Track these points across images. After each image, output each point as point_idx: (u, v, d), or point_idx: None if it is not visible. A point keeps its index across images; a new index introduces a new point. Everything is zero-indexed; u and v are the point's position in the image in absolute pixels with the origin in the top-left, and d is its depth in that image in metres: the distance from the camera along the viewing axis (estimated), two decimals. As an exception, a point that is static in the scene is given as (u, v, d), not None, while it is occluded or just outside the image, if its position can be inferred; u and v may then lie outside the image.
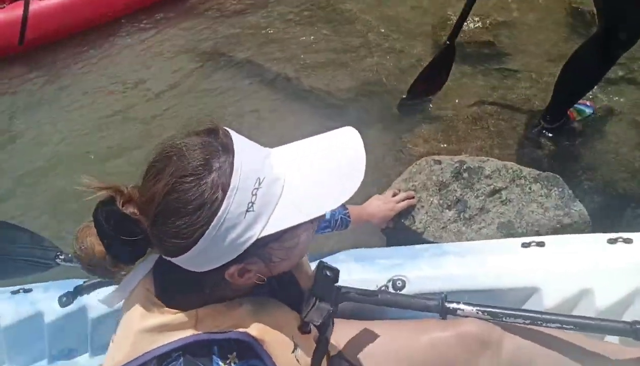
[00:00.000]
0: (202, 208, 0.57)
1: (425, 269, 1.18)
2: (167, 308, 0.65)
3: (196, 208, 0.57)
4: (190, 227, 0.58)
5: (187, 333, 0.63)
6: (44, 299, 1.30)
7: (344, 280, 1.09)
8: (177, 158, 0.59)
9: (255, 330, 0.65)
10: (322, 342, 0.79)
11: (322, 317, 0.76)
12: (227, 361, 0.62)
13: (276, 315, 0.70)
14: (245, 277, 0.64)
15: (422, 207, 1.50)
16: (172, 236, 0.59)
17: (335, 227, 1.21)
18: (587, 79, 1.87)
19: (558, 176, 1.51)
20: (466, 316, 0.99)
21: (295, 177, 0.63)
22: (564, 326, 0.94)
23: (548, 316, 0.95)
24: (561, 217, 1.42)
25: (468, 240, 1.42)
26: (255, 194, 0.59)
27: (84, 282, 1.30)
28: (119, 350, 0.65)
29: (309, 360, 0.74)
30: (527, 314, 0.97)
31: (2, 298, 1.33)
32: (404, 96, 2.34)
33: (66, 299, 1.28)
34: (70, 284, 1.31)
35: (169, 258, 0.63)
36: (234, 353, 0.63)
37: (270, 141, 0.70)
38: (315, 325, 0.79)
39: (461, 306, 1.01)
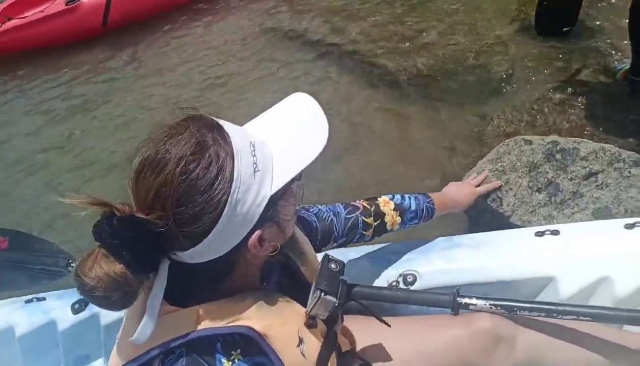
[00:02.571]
0: (218, 178, 0.60)
1: (437, 263, 1.17)
2: (170, 307, 0.65)
3: (213, 179, 0.60)
4: (212, 199, 0.60)
5: (190, 329, 0.63)
6: (57, 307, 1.32)
7: (353, 277, 1.10)
8: (171, 148, 0.60)
9: (259, 324, 0.65)
10: (331, 337, 0.79)
11: (328, 311, 0.76)
12: (231, 358, 0.63)
13: (281, 309, 0.71)
14: (264, 247, 0.67)
15: (511, 189, 1.45)
16: (197, 216, 0.60)
17: (422, 217, 1.17)
18: None
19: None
20: (479, 311, 0.98)
21: (273, 138, 0.69)
22: (580, 317, 0.93)
23: (563, 308, 0.94)
24: (664, 204, 1.33)
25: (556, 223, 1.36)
26: (255, 155, 0.63)
27: (95, 289, 1.33)
28: (122, 350, 0.66)
29: (316, 354, 0.74)
30: (541, 306, 0.95)
31: (16, 308, 1.36)
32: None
33: (78, 306, 1.31)
34: (82, 291, 1.34)
35: (188, 254, 0.62)
36: (238, 350, 0.63)
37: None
38: (322, 320, 0.78)
39: (474, 300, 1.00)
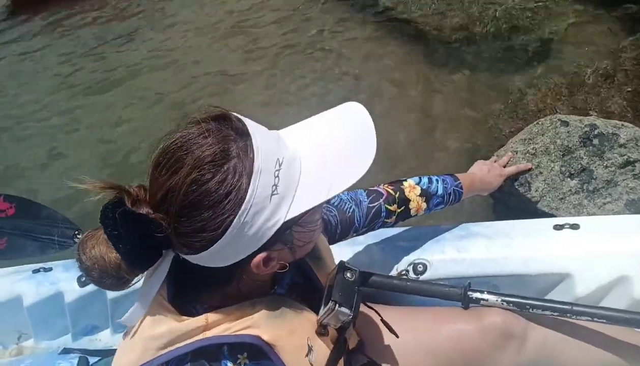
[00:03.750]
0: (228, 197, 0.55)
1: (449, 252, 1.15)
2: (177, 315, 0.64)
3: (222, 197, 0.55)
4: (217, 218, 0.56)
5: (198, 338, 0.63)
6: (64, 279, 1.35)
7: (362, 263, 1.09)
8: (191, 148, 0.56)
9: (268, 334, 0.64)
10: (341, 344, 0.78)
11: (341, 322, 0.75)
12: (238, 362, 0.62)
13: (290, 318, 0.69)
14: (270, 266, 0.64)
15: (541, 173, 1.40)
16: (198, 230, 0.57)
17: (449, 201, 1.14)
18: None
19: None
20: (490, 307, 0.97)
21: (309, 156, 0.63)
22: (594, 319, 0.92)
23: (577, 308, 0.93)
24: None
25: (589, 215, 1.32)
26: (277, 176, 0.58)
27: (102, 262, 1.35)
28: (126, 354, 0.66)
29: (324, 361, 0.73)
30: (555, 305, 0.94)
31: (23, 277, 1.38)
32: None
33: (85, 279, 1.33)
34: (89, 264, 1.35)
35: (188, 257, 0.61)
36: (245, 354, 0.63)
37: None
38: (333, 327, 0.77)
39: (485, 295, 0.99)
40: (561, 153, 1.40)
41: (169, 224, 0.58)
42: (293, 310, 0.71)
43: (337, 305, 0.72)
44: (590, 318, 0.92)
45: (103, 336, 1.37)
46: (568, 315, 0.93)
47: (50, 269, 1.38)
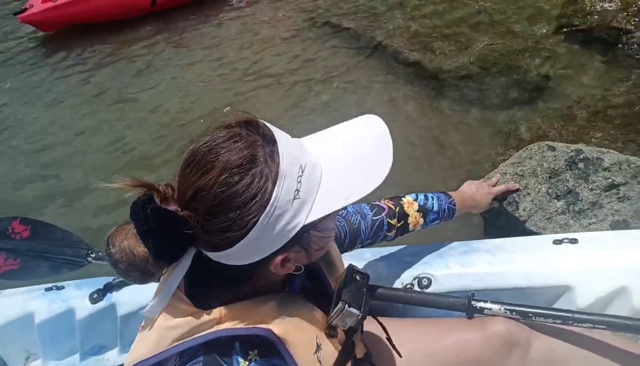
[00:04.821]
0: (254, 199, 0.60)
1: (453, 267, 1.20)
2: (193, 308, 0.68)
3: (248, 199, 0.60)
4: (242, 218, 0.60)
5: (211, 330, 0.66)
6: (76, 296, 1.39)
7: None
8: (221, 151, 0.61)
9: (279, 328, 0.68)
10: (348, 346, 0.81)
11: (350, 323, 0.78)
12: (248, 358, 0.65)
13: (301, 315, 0.73)
14: (286, 267, 0.68)
15: (529, 194, 1.48)
16: (223, 230, 0.61)
17: (443, 218, 1.20)
18: None
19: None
20: (494, 316, 1.01)
21: (329, 164, 0.67)
22: (596, 326, 0.95)
23: (580, 315, 0.96)
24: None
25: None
26: (300, 181, 0.62)
27: (114, 279, 1.40)
28: (143, 343, 0.69)
29: (332, 362, 0.76)
30: (557, 313, 0.98)
31: (36, 295, 1.43)
32: None
33: (97, 296, 1.37)
34: (101, 281, 1.40)
35: (210, 254, 0.65)
36: (255, 351, 0.66)
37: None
38: (342, 329, 0.80)
39: (489, 305, 1.03)
40: (548, 176, 1.48)
41: (196, 222, 0.62)
42: (304, 308, 0.75)
43: (347, 305, 0.76)
44: (592, 325, 0.96)
45: (110, 356, 1.40)
46: (570, 322, 0.97)
47: (63, 287, 1.43)
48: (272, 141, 0.63)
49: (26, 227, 1.56)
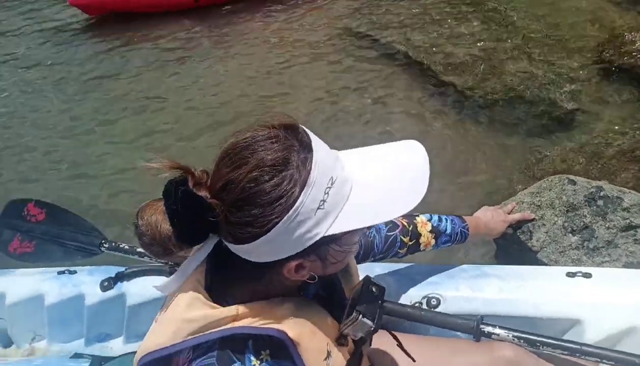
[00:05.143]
0: (278, 201, 0.61)
1: (463, 290, 1.21)
2: (212, 303, 0.69)
3: (274, 200, 0.61)
4: (265, 217, 0.62)
5: (227, 326, 0.67)
6: (87, 282, 1.42)
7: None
8: (258, 149, 0.63)
9: (293, 331, 0.68)
10: (357, 356, 0.82)
11: (362, 333, 0.78)
12: (260, 357, 0.66)
13: (316, 320, 0.74)
14: (300, 274, 0.68)
15: (544, 225, 1.48)
16: (245, 224, 0.63)
17: (455, 241, 1.22)
18: None
19: None
20: (501, 341, 1.01)
21: (362, 181, 0.68)
22: (603, 361, 0.95)
23: (588, 348, 0.97)
24: None
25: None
26: (327, 193, 0.63)
27: (125, 269, 1.42)
28: (160, 333, 0.70)
29: None
30: (565, 344, 0.98)
31: (48, 277, 1.46)
32: None
33: (107, 284, 1.40)
34: (112, 270, 1.43)
35: (230, 246, 0.67)
36: (267, 351, 0.67)
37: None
38: (352, 339, 0.81)
39: (497, 330, 1.04)
40: (565, 209, 1.48)
41: (222, 211, 0.64)
42: (318, 314, 0.76)
43: (361, 315, 0.76)
44: (598, 360, 0.96)
45: (115, 344, 1.42)
46: (577, 354, 0.97)
47: (75, 272, 1.46)
48: (308, 148, 0.64)
49: (41, 210, 1.60)
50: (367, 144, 0.77)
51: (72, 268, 1.47)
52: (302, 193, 0.62)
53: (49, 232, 1.55)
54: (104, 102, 3.56)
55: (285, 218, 0.62)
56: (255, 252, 0.65)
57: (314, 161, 0.63)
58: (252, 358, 0.66)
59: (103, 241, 1.50)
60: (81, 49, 4.33)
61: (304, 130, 0.67)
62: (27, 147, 3.28)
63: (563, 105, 2.45)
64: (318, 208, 0.63)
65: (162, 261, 1.35)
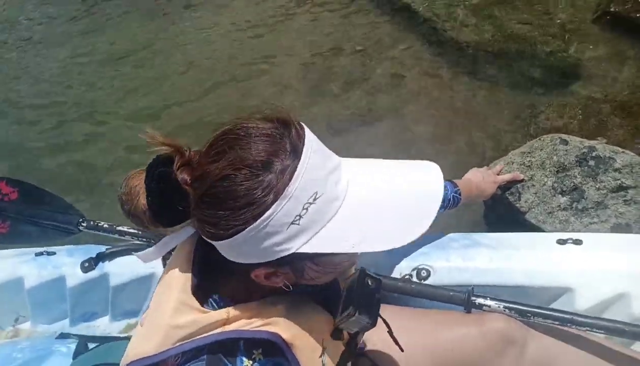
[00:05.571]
0: (248, 207, 0.56)
1: (453, 260, 1.19)
2: (201, 308, 0.66)
3: (242, 205, 0.56)
4: (230, 221, 0.57)
5: (217, 331, 0.65)
6: (67, 263, 1.38)
7: (365, 265, 1.13)
8: (242, 145, 0.58)
9: (286, 332, 0.66)
10: (351, 347, 0.80)
11: (358, 328, 0.75)
12: (252, 357, 0.64)
13: (309, 318, 0.71)
14: (272, 281, 0.65)
15: (533, 185, 1.47)
16: (210, 223, 0.60)
17: (448, 206, 1.19)
18: None
19: None
20: (492, 312, 1.01)
21: (355, 203, 0.61)
22: (594, 329, 0.96)
23: (578, 318, 0.97)
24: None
25: (574, 231, 1.38)
26: (307, 208, 0.57)
27: (106, 249, 1.38)
28: (148, 339, 0.67)
29: (335, 361, 0.75)
30: (556, 314, 0.98)
31: (26, 260, 1.42)
32: None
33: (88, 265, 1.36)
34: (93, 250, 1.39)
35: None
36: (260, 350, 0.65)
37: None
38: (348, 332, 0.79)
39: (488, 301, 1.04)
40: (556, 170, 1.47)
41: (193, 202, 0.61)
42: (311, 310, 0.73)
43: (357, 312, 0.71)
44: (590, 329, 0.97)
45: (101, 323, 1.40)
46: (568, 324, 0.98)
47: (54, 253, 1.42)
48: (296, 155, 0.57)
49: (14, 189, 1.53)
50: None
51: (50, 249, 1.43)
52: (274, 204, 0.56)
53: (23, 211, 1.49)
54: (84, 64, 3.44)
55: (251, 227, 0.57)
56: (222, 249, 0.62)
57: (297, 171, 0.56)
58: (244, 358, 0.64)
59: (81, 220, 1.44)
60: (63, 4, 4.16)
61: (299, 133, 0.59)
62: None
63: (564, 60, 2.40)
64: (292, 223, 0.57)
65: (144, 239, 1.32)
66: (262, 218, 0.56)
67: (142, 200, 0.68)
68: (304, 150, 0.58)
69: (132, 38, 3.62)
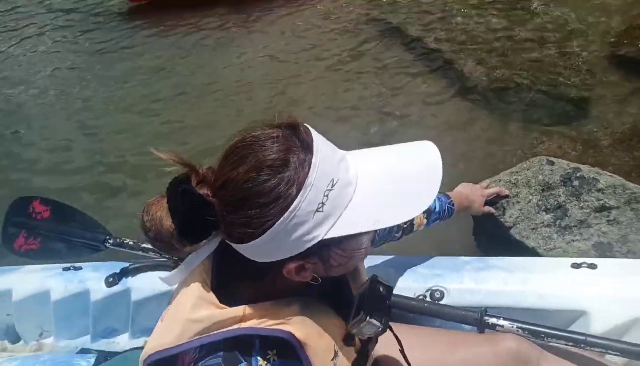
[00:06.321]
0: (275, 202, 0.61)
1: (467, 282, 1.22)
2: (218, 303, 0.70)
3: (269, 201, 0.61)
4: (260, 218, 0.62)
5: (233, 327, 0.68)
6: (92, 278, 1.44)
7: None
8: (257, 149, 0.63)
9: (300, 331, 0.68)
10: (363, 354, 0.82)
11: (368, 334, 0.78)
12: (267, 357, 0.67)
13: (322, 320, 0.74)
14: (301, 275, 0.68)
15: (518, 202, 1.52)
16: (241, 224, 0.63)
17: (443, 218, 1.26)
18: None
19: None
20: (505, 332, 1.03)
21: (367, 185, 0.67)
22: (608, 351, 0.96)
23: (592, 339, 0.98)
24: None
25: (556, 248, 1.44)
26: (327, 195, 0.62)
27: (130, 265, 1.45)
28: (166, 333, 0.71)
29: None
30: (570, 335, 0.99)
31: (53, 274, 1.49)
32: None
33: (112, 279, 1.42)
34: (117, 266, 1.45)
35: (232, 244, 0.68)
36: (275, 350, 0.68)
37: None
38: (359, 338, 0.81)
39: (501, 321, 1.05)
40: (541, 188, 1.52)
41: (220, 210, 0.65)
42: (325, 314, 0.76)
43: (368, 316, 0.75)
44: (603, 350, 0.97)
45: (121, 340, 1.44)
46: (582, 345, 0.98)
47: (80, 268, 1.48)
48: (308, 149, 0.64)
49: (46, 208, 1.63)
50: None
51: (77, 265, 1.50)
52: (299, 195, 0.61)
53: (54, 229, 1.58)
54: (127, 92, 3.68)
55: (281, 220, 0.62)
56: (253, 251, 0.66)
57: (313, 163, 0.62)
58: (259, 358, 0.67)
59: (107, 237, 1.52)
60: (115, 34, 4.56)
61: (307, 131, 0.66)
62: (37, 142, 3.35)
63: (572, 93, 2.49)
64: (317, 210, 0.62)
65: (167, 256, 1.38)
66: (289, 210, 0.61)
67: (166, 223, 0.70)
68: (315, 144, 0.64)
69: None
